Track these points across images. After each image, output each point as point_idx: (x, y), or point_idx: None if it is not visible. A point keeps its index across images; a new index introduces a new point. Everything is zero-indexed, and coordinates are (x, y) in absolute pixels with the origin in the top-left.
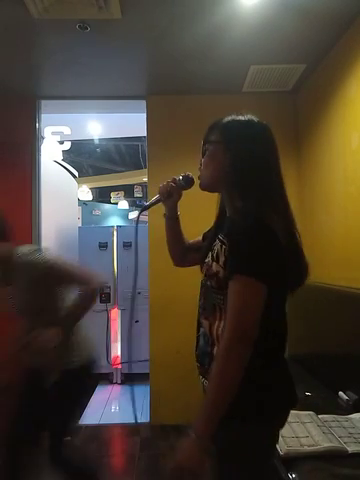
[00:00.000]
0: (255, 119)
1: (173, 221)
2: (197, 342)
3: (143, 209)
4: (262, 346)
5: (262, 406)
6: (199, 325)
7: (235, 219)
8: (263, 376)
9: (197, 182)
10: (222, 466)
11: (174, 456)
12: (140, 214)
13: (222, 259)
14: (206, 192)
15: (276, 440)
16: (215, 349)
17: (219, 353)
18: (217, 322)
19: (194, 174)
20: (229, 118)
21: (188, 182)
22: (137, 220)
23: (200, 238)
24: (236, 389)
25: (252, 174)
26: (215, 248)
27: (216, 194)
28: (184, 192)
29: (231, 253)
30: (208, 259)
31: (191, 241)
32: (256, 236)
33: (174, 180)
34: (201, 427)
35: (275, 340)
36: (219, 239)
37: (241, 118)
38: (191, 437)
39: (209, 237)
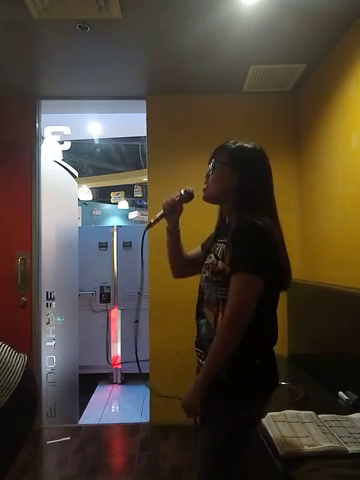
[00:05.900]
0: (257, 146)
1: (175, 235)
2: (198, 330)
3: (148, 227)
4: (260, 337)
5: (253, 386)
6: (200, 315)
7: (239, 225)
8: (263, 362)
9: (199, 194)
10: (214, 431)
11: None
12: (146, 231)
13: (227, 258)
14: (203, 205)
15: (262, 413)
16: None
17: (219, 329)
18: (221, 313)
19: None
20: (237, 144)
21: (189, 195)
22: (143, 239)
23: (199, 249)
24: (228, 358)
25: (256, 193)
26: (219, 249)
27: (211, 207)
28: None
29: (235, 253)
30: (212, 259)
31: (190, 253)
32: (257, 239)
33: (176, 195)
34: (200, 380)
35: (271, 332)
36: (223, 242)
37: (247, 145)
38: (192, 387)
39: (209, 242)
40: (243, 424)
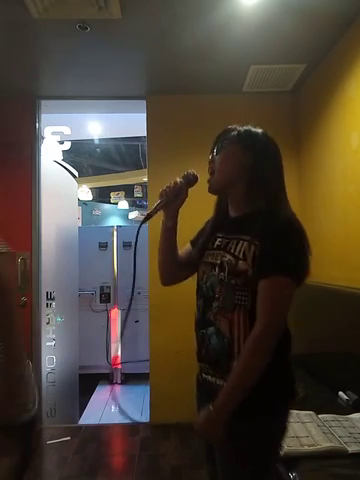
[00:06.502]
0: (267, 132)
1: (172, 230)
2: (202, 341)
3: (147, 218)
4: (282, 344)
5: (278, 401)
6: (207, 323)
7: (270, 221)
8: (279, 372)
9: (202, 184)
10: (238, 456)
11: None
12: (142, 224)
13: (250, 258)
14: (200, 200)
15: (286, 427)
16: (236, 347)
17: (250, 342)
18: (237, 320)
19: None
20: (245, 127)
21: (194, 178)
22: (138, 230)
23: (189, 247)
24: (259, 375)
25: (275, 175)
26: (238, 247)
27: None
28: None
29: (269, 253)
30: (227, 258)
31: (181, 253)
32: (294, 239)
33: (179, 179)
34: (221, 404)
35: (288, 337)
36: (243, 239)
37: (256, 129)
38: (209, 410)
39: (203, 237)
40: (268, 443)
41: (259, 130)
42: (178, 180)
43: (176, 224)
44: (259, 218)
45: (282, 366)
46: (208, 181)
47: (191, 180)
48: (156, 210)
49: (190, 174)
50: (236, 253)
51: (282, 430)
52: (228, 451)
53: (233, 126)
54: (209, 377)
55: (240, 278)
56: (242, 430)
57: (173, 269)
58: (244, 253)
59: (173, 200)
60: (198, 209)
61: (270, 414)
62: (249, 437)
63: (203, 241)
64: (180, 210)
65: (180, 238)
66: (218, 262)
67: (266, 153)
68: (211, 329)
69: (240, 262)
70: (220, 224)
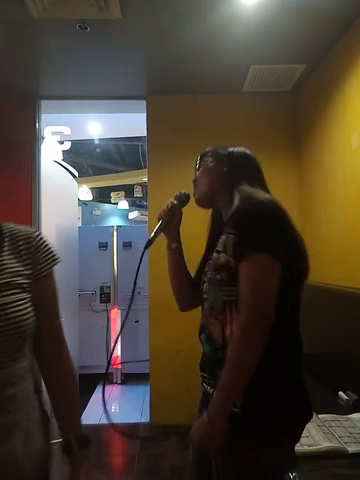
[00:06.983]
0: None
1: (178, 252)
2: (203, 349)
3: (149, 243)
4: (282, 351)
5: (282, 422)
6: (201, 330)
7: (240, 206)
8: (283, 387)
9: (193, 199)
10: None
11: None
12: (146, 249)
13: (231, 248)
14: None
15: (291, 456)
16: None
17: (236, 335)
18: (229, 322)
19: (189, 185)
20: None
21: (186, 197)
22: (142, 256)
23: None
24: (252, 373)
25: (251, 173)
26: (219, 243)
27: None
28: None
29: (240, 235)
30: (214, 254)
31: (194, 276)
32: (267, 215)
33: (171, 201)
34: (215, 411)
35: (294, 343)
36: (224, 233)
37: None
38: (204, 418)
39: (205, 253)
40: (266, 470)
41: (235, 148)
42: (170, 201)
43: (180, 246)
44: (235, 211)
45: (289, 377)
46: (194, 194)
47: (183, 199)
48: (156, 235)
49: (182, 194)
50: (219, 248)
51: (287, 458)
52: (228, 466)
53: (208, 148)
54: (208, 388)
55: (224, 272)
56: (244, 447)
57: (188, 292)
58: (225, 245)
59: (170, 221)
60: (204, 231)
61: (274, 436)
62: (252, 455)
63: (204, 254)
64: (189, 234)
65: (191, 263)
66: (210, 268)
67: (242, 158)
68: (203, 335)
69: (222, 254)
70: (219, 235)
